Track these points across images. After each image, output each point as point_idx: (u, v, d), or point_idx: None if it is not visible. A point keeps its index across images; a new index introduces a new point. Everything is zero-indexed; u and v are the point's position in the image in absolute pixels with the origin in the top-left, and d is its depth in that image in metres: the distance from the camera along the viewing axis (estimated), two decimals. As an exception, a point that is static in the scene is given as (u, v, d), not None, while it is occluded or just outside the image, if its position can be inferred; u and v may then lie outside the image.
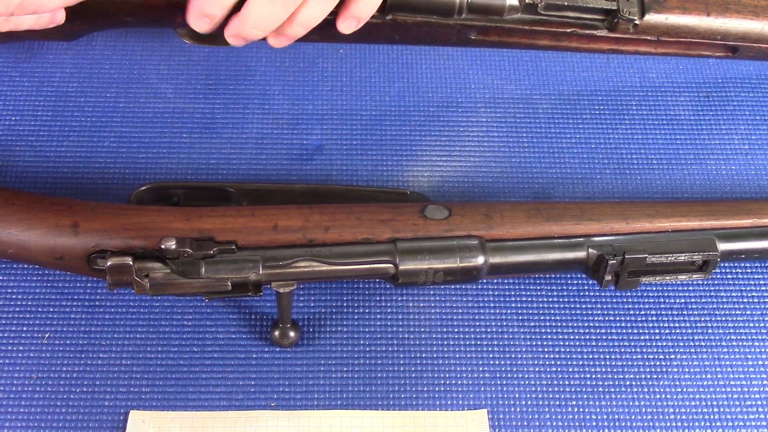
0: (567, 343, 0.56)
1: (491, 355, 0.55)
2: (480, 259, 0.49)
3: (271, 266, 0.48)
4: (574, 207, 0.53)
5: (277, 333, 0.53)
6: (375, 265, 0.49)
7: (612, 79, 0.68)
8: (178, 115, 0.64)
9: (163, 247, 0.46)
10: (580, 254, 0.51)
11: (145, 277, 0.47)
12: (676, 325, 0.57)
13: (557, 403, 0.53)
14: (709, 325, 0.57)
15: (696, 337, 0.56)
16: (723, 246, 0.52)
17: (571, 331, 0.56)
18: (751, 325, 0.57)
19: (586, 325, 0.56)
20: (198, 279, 0.47)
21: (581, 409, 0.53)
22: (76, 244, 0.48)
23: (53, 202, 0.50)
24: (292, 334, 0.53)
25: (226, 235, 0.48)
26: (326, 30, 0.52)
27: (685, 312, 0.57)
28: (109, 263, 0.47)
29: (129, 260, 0.47)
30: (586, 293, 0.58)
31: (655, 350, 0.56)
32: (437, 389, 0.54)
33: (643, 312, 0.57)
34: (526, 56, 0.69)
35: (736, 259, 0.54)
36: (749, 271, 0.59)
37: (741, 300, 0.58)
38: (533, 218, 0.51)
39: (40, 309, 0.55)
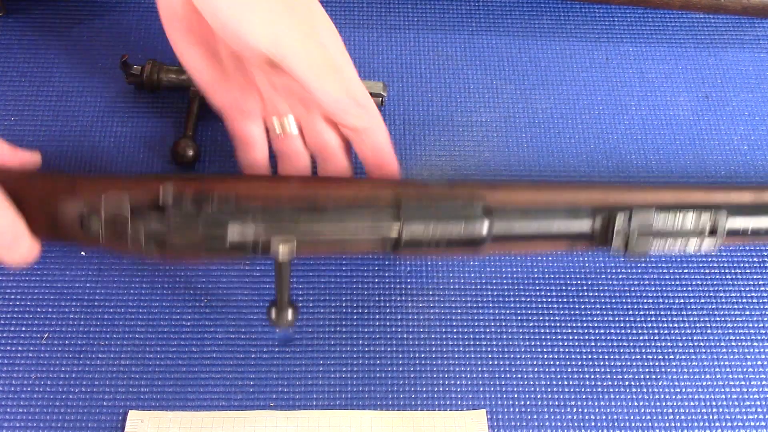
0: (566, 344, 0.56)
1: (490, 356, 0.55)
2: (484, 226, 0.48)
3: (271, 220, 0.47)
4: (578, 182, 0.52)
5: (273, 312, 0.50)
6: (378, 223, 0.48)
7: (611, 79, 0.68)
8: (178, 114, 0.64)
9: (161, 194, 0.45)
10: (586, 220, 0.50)
11: (142, 232, 0.46)
12: (676, 325, 0.57)
13: (556, 403, 0.53)
14: (709, 325, 0.57)
15: (695, 338, 0.56)
16: (730, 222, 0.51)
17: (570, 331, 0.56)
18: (750, 325, 0.57)
19: (585, 325, 0.56)
20: (195, 232, 0.46)
21: (580, 410, 0.53)
22: (71, 204, 0.47)
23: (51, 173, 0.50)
24: (289, 313, 0.50)
25: (227, 190, 0.48)
26: None
27: (685, 312, 0.57)
28: (104, 214, 0.46)
29: (126, 205, 0.46)
30: (585, 293, 0.58)
31: (655, 350, 0.56)
32: (436, 389, 0.54)
33: (642, 312, 0.57)
34: (525, 56, 0.69)
35: (742, 238, 0.53)
36: (749, 271, 0.59)
37: (740, 301, 0.58)
38: (537, 188, 0.51)
39: (38, 309, 0.55)
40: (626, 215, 0.49)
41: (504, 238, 0.50)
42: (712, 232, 0.51)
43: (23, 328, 0.54)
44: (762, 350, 0.56)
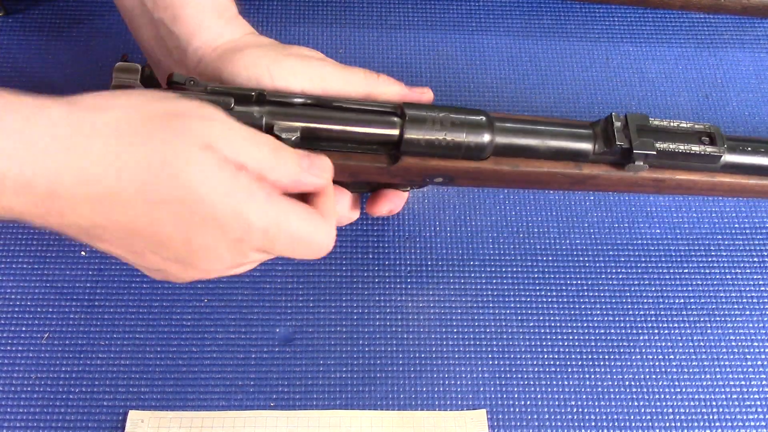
0: (566, 343, 0.56)
1: (490, 355, 0.55)
2: (486, 133, 0.47)
3: (275, 99, 0.46)
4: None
5: None
6: (382, 117, 0.47)
7: (612, 79, 0.68)
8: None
9: (173, 74, 0.45)
10: (585, 129, 0.49)
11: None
12: (676, 325, 0.57)
13: (556, 403, 0.53)
14: (709, 325, 0.57)
15: (695, 338, 0.56)
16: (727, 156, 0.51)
17: (570, 331, 0.56)
18: (750, 325, 0.57)
19: (585, 325, 0.56)
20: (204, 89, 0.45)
21: (580, 409, 0.53)
22: None
23: None
24: None
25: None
26: None
27: (685, 312, 0.57)
28: (113, 80, 0.45)
29: (137, 66, 0.45)
30: (585, 293, 0.58)
31: (655, 350, 0.56)
32: (436, 389, 0.54)
33: (642, 312, 0.57)
34: (525, 56, 0.69)
35: (741, 174, 0.52)
36: (748, 271, 0.59)
37: (740, 300, 0.58)
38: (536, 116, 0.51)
39: (39, 309, 0.55)
40: (623, 116, 0.49)
41: (506, 149, 0.49)
42: (712, 141, 0.50)
43: (23, 328, 0.54)
44: (762, 350, 0.56)
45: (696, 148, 0.50)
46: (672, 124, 0.50)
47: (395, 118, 0.47)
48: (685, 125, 0.50)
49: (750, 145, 0.51)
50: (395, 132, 0.47)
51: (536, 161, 0.50)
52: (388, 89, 0.50)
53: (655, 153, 0.49)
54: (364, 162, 0.48)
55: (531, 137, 0.49)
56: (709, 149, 0.50)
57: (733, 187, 0.52)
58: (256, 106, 0.45)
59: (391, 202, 0.54)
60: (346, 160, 0.48)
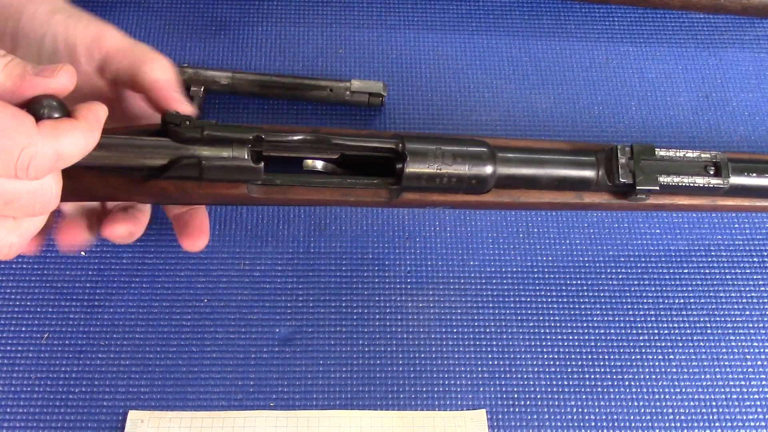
0: (566, 343, 0.56)
1: (490, 355, 0.55)
2: (489, 165, 0.47)
3: (273, 135, 0.45)
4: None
5: None
6: (381, 145, 0.46)
7: (611, 79, 0.68)
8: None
9: (166, 112, 0.44)
10: (589, 157, 0.49)
11: None
12: (676, 325, 0.57)
13: (556, 403, 0.53)
14: (709, 325, 0.57)
15: (695, 338, 0.56)
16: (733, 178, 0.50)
17: (570, 331, 0.56)
18: (750, 325, 0.57)
19: (584, 325, 0.56)
20: (200, 141, 0.44)
21: (580, 409, 0.53)
22: None
23: None
24: None
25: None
26: None
27: (685, 312, 0.57)
28: None
29: None
30: (585, 293, 0.58)
31: (655, 350, 0.56)
32: (436, 389, 0.54)
33: (642, 312, 0.57)
34: (525, 56, 0.69)
35: (745, 195, 0.52)
36: (748, 271, 0.59)
37: (740, 300, 0.58)
38: (537, 140, 0.51)
39: (39, 309, 0.55)
40: (628, 148, 0.49)
41: (508, 180, 0.48)
42: (717, 171, 0.50)
43: (23, 328, 0.54)
44: (762, 350, 0.56)
45: (700, 181, 0.49)
46: (678, 154, 0.50)
47: (396, 154, 0.47)
48: (691, 155, 0.50)
49: (755, 169, 0.51)
50: (396, 165, 0.47)
51: (537, 192, 0.49)
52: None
53: (657, 188, 0.48)
54: (364, 198, 0.48)
55: (533, 167, 0.48)
56: (713, 181, 0.50)
57: (735, 208, 0.53)
58: (254, 135, 0.45)
59: None
60: (345, 196, 0.48)
